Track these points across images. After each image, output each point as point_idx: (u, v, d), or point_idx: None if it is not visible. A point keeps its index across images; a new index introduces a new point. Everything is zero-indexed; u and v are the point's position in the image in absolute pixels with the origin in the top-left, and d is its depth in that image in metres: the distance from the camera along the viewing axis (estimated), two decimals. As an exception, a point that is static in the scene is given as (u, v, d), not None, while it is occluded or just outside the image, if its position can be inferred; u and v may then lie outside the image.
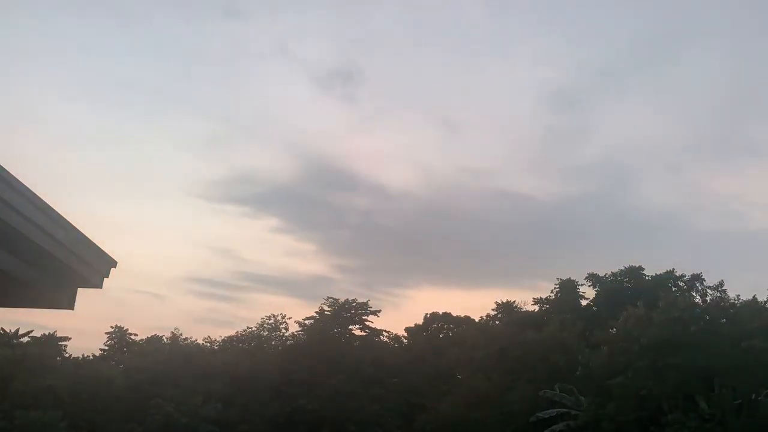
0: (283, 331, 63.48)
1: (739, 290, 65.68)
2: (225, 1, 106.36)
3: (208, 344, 64.80)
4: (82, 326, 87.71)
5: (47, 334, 57.06)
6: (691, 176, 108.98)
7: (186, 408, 49.09)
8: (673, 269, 55.25)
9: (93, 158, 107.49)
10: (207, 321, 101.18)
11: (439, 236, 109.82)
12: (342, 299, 60.42)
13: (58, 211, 5.08)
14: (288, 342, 62.17)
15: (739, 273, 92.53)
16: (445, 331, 67.90)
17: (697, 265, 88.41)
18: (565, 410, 40.83)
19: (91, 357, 61.12)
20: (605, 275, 57.24)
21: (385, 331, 63.65)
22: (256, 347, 61.80)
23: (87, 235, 5.47)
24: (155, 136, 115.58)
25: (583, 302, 58.83)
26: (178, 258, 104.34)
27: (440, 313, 68.59)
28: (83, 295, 6.08)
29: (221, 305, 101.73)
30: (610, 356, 38.79)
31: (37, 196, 4.79)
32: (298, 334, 61.69)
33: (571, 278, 59.57)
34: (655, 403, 36.56)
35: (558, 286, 59.70)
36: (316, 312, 60.28)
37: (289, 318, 63.42)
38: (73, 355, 59.31)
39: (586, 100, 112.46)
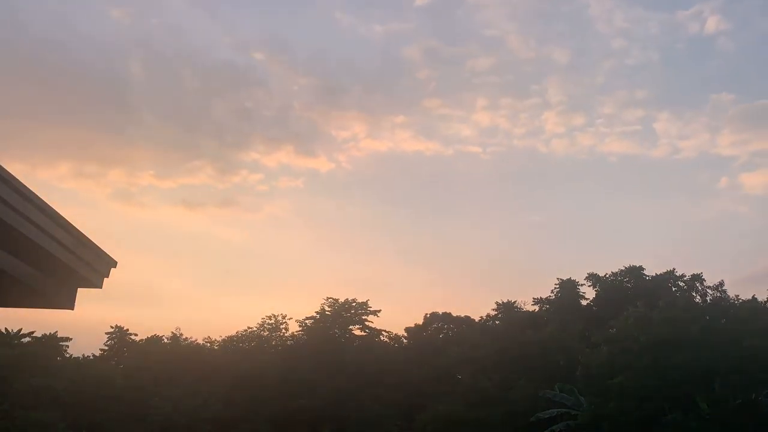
0: (284, 331, 63.55)
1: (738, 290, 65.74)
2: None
3: (208, 344, 64.84)
4: (82, 326, 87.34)
5: (48, 334, 57.07)
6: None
7: (186, 408, 49.09)
8: (674, 269, 55.37)
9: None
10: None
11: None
12: (342, 299, 60.60)
13: (58, 211, 5.09)
14: (288, 342, 62.24)
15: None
16: (445, 331, 67.87)
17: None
18: (565, 410, 40.84)
19: (91, 357, 61.14)
20: (605, 275, 57.30)
21: (385, 331, 63.83)
22: (257, 347, 61.81)
23: (87, 235, 5.47)
24: None
25: (583, 302, 58.88)
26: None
27: (440, 313, 68.59)
28: (83, 295, 6.09)
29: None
30: (610, 356, 38.75)
31: (37, 196, 4.79)
32: (299, 334, 61.79)
33: (571, 278, 59.70)
34: (655, 403, 36.53)
35: (558, 286, 59.78)
36: (317, 312, 60.44)
37: (290, 318, 63.57)
38: (73, 355, 59.34)
39: None
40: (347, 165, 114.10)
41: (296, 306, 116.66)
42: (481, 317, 64.72)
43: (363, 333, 61.22)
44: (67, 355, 59.01)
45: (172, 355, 57.54)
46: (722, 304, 44.69)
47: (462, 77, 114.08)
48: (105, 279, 6.01)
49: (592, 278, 57.78)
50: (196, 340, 64.15)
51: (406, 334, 67.51)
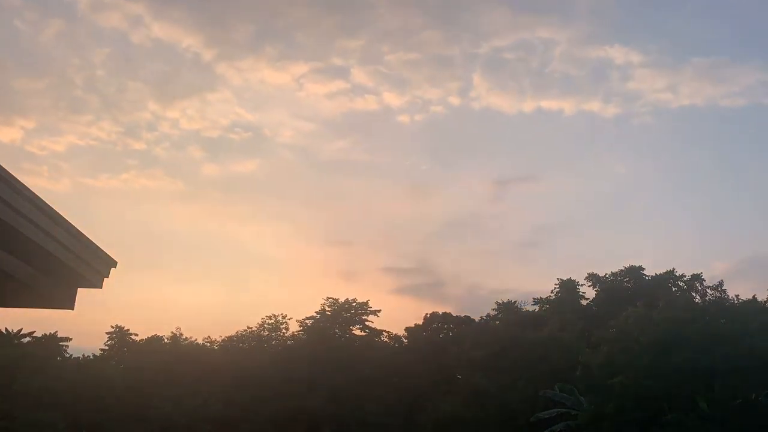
0: (284, 331, 63.57)
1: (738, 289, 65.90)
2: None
3: (208, 344, 64.83)
4: (82, 326, 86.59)
5: (48, 334, 57.11)
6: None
7: (186, 408, 49.10)
8: (673, 269, 55.39)
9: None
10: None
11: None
12: (342, 299, 60.62)
13: (58, 211, 5.09)
14: (288, 342, 62.26)
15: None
16: (445, 331, 67.86)
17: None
18: (565, 410, 40.83)
19: (92, 357, 61.15)
20: (605, 275, 57.35)
21: (385, 331, 63.82)
22: (257, 347, 61.85)
23: (87, 235, 5.47)
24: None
25: (583, 302, 58.89)
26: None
27: (440, 313, 68.58)
28: (83, 295, 6.10)
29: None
30: (610, 356, 38.76)
31: (37, 196, 4.79)
32: (299, 334, 61.80)
33: (571, 278, 59.73)
34: (655, 403, 36.54)
35: (558, 286, 59.79)
36: (317, 312, 60.47)
37: (290, 318, 63.62)
38: (73, 356, 59.38)
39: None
40: (262, 128, 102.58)
41: (234, 288, 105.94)
42: (481, 317, 64.77)
43: (363, 333, 61.25)
44: (67, 355, 59.06)
45: (172, 355, 57.53)
46: (722, 304, 44.69)
47: (372, 12, 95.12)
48: (105, 279, 6.01)
49: (592, 278, 57.83)
50: (196, 339, 64.24)
51: (406, 334, 67.55)
